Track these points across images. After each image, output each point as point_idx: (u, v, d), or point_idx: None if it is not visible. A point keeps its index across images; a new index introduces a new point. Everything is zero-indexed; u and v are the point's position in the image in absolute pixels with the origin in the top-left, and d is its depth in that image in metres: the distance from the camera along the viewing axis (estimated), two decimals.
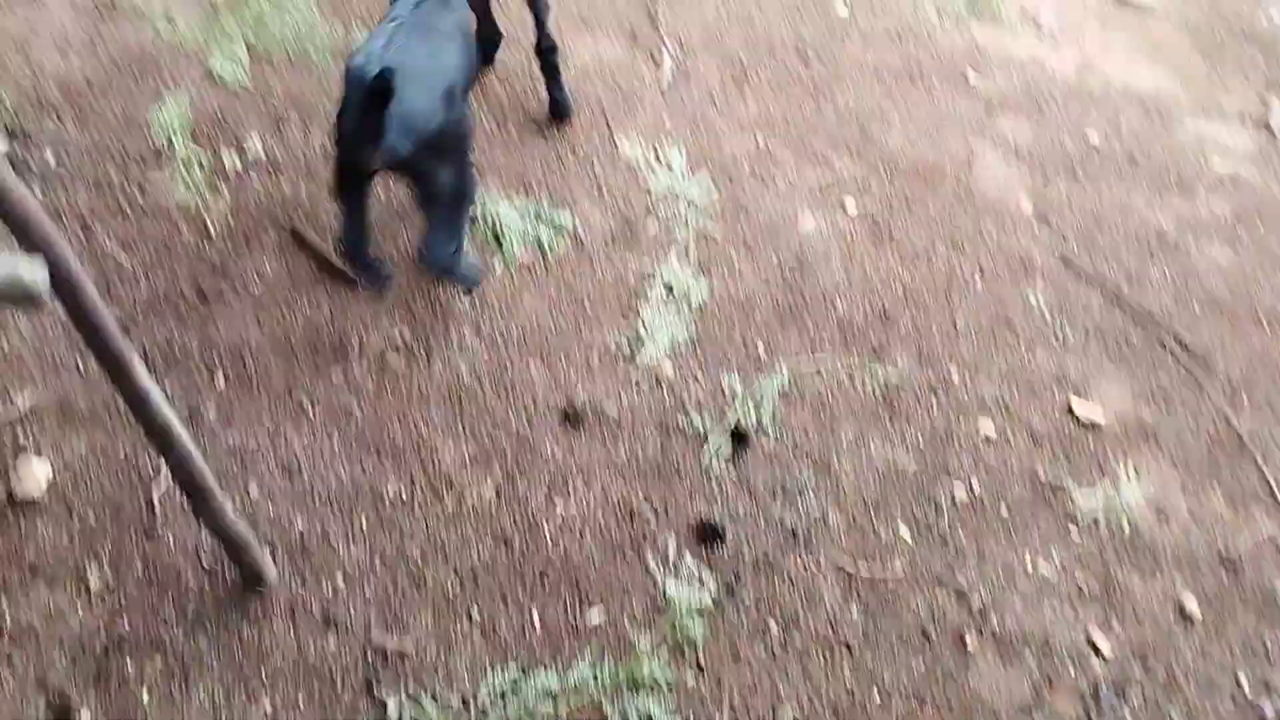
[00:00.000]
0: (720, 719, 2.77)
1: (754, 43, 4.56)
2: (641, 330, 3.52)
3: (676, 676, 2.82)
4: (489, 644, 2.81)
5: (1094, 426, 3.54)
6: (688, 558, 3.05)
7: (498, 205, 3.72)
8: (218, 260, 3.46)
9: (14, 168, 3.47)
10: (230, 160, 3.71)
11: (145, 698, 2.60)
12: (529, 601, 2.90)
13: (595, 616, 2.90)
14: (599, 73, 4.29)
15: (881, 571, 3.10)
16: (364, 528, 2.97)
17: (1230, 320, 3.93)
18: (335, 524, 2.97)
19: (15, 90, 3.75)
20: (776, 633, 2.94)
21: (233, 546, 2.68)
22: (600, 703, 2.74)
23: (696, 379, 3.45)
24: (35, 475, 2.88)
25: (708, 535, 3.10)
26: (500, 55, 4.16)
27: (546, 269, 3.64)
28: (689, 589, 2.98)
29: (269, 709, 2.63)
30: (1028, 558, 3.19)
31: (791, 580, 3.04)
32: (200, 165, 3.66)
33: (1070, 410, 3.56)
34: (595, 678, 2.78)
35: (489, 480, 3.13)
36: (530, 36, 3.90)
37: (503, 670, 2.76)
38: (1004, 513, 3.29)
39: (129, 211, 3.52)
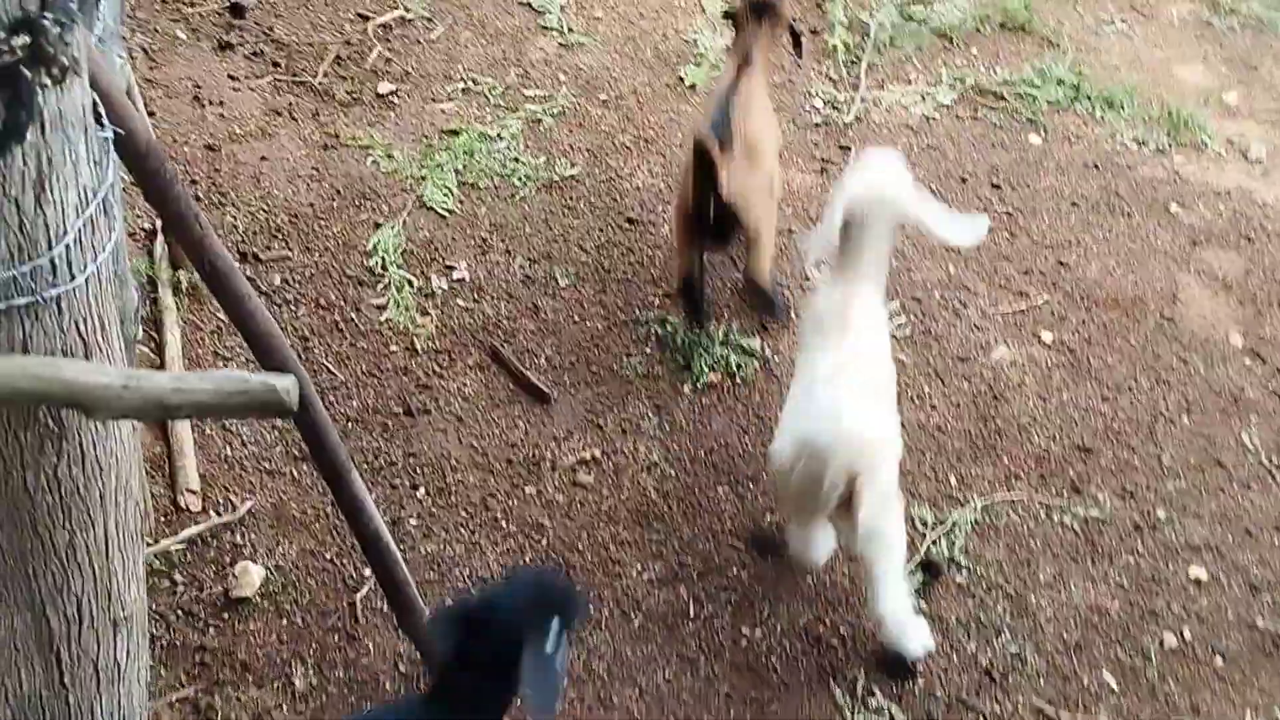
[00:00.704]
0: None
1: (946, 173, 4.57)
2: None
3: None
4: None
5: None
6: (877, 693, 2.96)
7: (688, 330, 3.80)
8: (423, 376, 3.63)
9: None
10: (437, 282, 3.92)
11: None
12: None
13: None
14: (789, 201, 4.37)
15: None
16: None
17: None
18: None
19: (249, 217, 4.07)
20: None
21: (429, 654, 2.75)
22: None
23: None
24: (250, 577, 3.03)
25: (898, 669, 3.01)
26: None
27: (735, 393, 3.68)
28: None
29: None
30: (1248, 716, 2.97)
31: None
32: (410, 286, 3.87)
33: None
34: None
35: (676, 601, 3.13)
36: None
37: None
38: (1219, 664, 3.09)
39: (344, 329, 3.75)
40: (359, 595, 3.04)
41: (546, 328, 3.81)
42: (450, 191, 4.23)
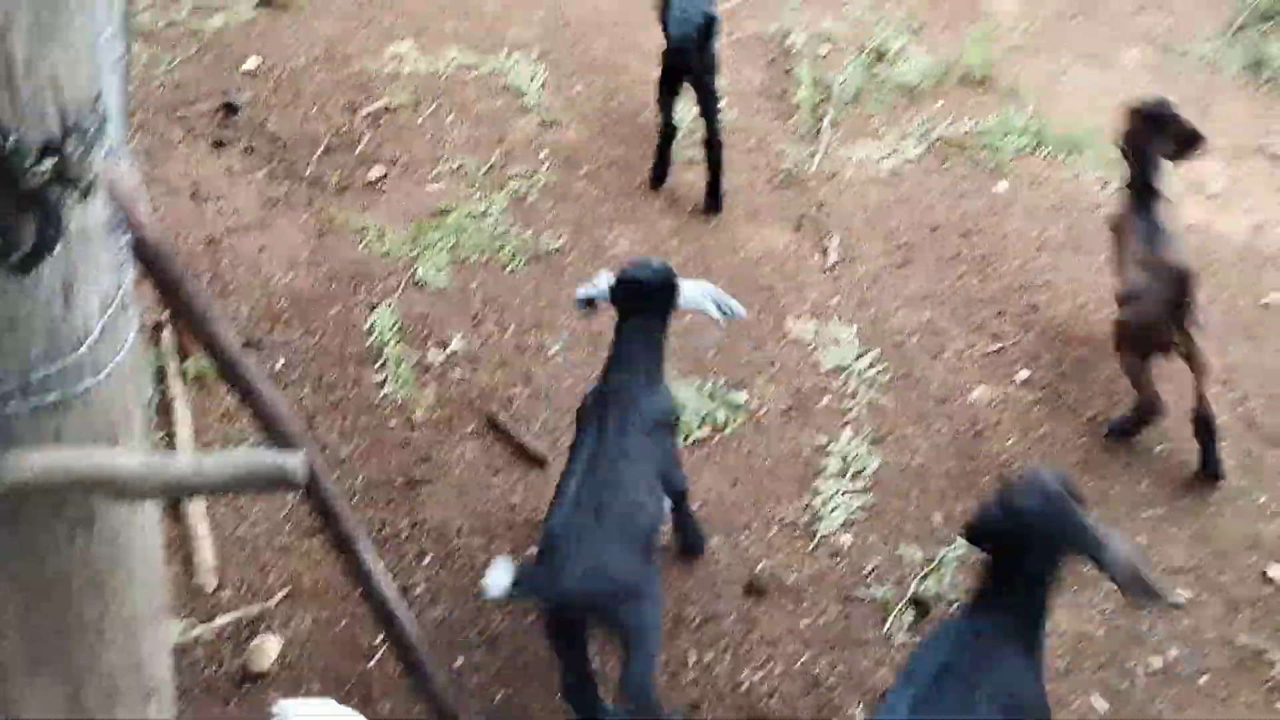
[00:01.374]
0: None
1: (916, 223, 4.75)
2: (818, 502, 3.64)
3: None
4: None
5: None
6: None
7: (675, 387, 3.95)
8: (423, 447, 3.78)
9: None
10: (434, 356, 4.08)
11: None
12: None
13: None
14: (768, 259, 4.55)
15: None
16: (560, 698, 3.11)
17: None
18: (533, 693, 3.13)
19: (250, 303, 4.24)
20: None
21: (444, 715, 2.86)
22: None
23: (875, 549, 3.52)
24: (266, 651, 3.16)
25: None
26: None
27: (724, 445, 3.83)
28: None
29: None
30: None
31: None
32: (408, 361, 4.04)
33: (1265, 575, 3.47)
34: None
35: (676, 649, 3.24)
36: None
37: None
38: (1203, 681, 3.20)
39: (346, 407, 3.90)
40: (372, 662, 3.17)
41: (540, 394, 3.96)
42: (442, 268, 4.40)
